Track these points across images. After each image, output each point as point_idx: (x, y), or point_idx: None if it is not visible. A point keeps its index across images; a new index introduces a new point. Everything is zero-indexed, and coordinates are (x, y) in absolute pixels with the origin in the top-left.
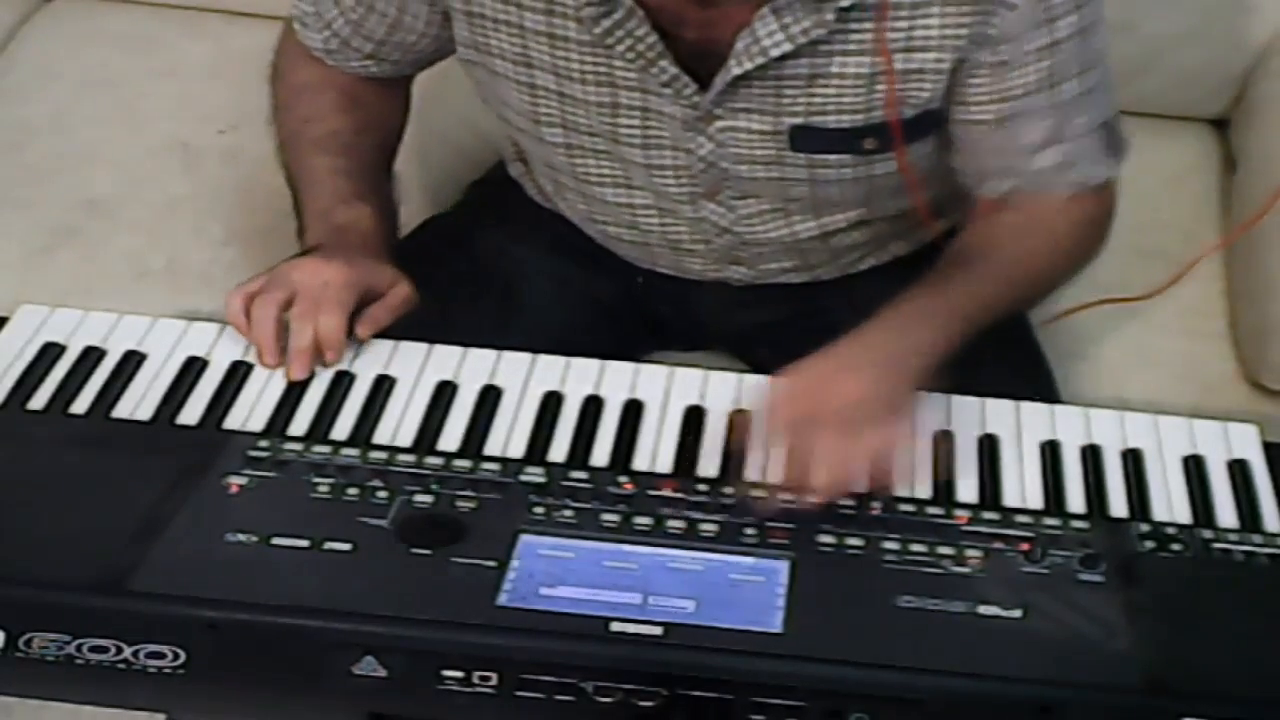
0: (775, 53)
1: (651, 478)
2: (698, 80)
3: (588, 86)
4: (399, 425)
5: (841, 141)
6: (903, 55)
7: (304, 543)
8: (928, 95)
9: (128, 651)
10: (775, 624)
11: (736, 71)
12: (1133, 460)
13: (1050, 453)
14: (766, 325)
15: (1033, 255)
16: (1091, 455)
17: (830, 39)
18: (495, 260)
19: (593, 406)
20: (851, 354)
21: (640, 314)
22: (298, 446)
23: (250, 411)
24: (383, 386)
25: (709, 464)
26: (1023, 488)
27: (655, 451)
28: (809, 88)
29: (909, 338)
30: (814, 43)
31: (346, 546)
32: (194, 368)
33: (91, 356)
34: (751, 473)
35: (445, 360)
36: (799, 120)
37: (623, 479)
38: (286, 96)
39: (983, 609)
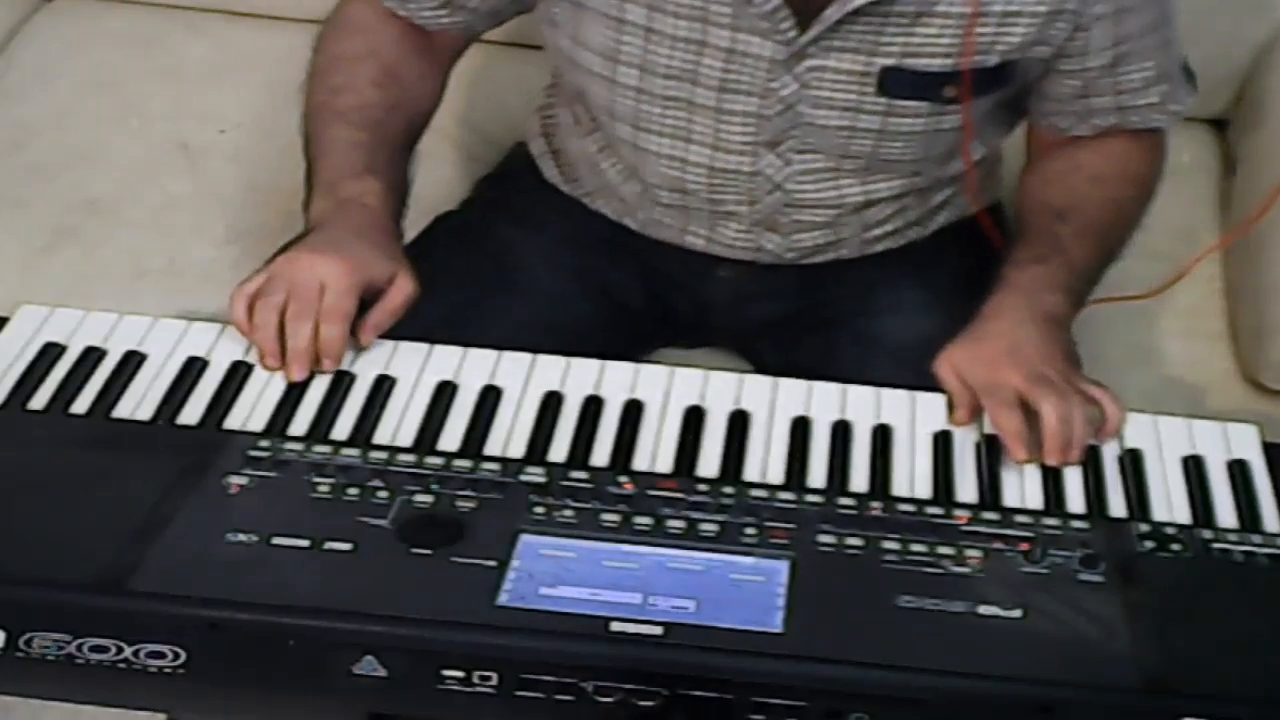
0: None
1: (651, 478)
2: (795, 16)
3: (679, 21)
4: (399, 425)
5: (926, 86)
6: None
7: (304, 543)
8: (1018, 40)
9: (128, 651)
10: (775, 624)
11: (854, 4)
12: (1132, 460)
13: None
14: (770, 324)
15: (1118, 199)
16: (1091, 455)
17: None
18: (507, 253)
19: (593, 406)
20: (999, 342)
21: (651, 305)
22: (298, 446)
23: (250, 411)
24: (383, 386)
25: (709, 464)
26: (1022, 488)
27: (655, 451)
28: (911, 26)
29: (1038, 307)
30: None
31: (347, 546)
32: (194, 368)
33: (91, 357)
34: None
35: (445, 360)
36: (892, 61)
37: (623, 479)
38: (323, 64)
39: (982, 609)
